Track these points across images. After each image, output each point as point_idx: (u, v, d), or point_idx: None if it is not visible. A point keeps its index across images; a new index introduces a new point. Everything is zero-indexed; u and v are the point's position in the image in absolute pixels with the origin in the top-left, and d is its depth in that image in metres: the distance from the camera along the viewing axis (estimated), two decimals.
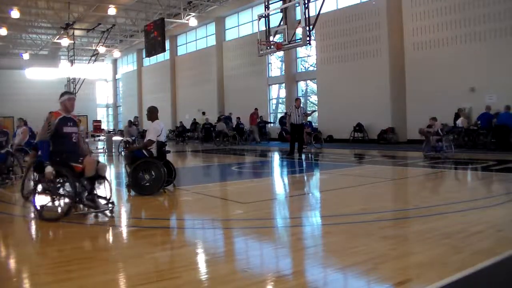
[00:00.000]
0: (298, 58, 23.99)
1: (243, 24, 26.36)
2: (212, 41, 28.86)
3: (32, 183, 6.62)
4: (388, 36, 18.04)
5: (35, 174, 6.51)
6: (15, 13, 21.77)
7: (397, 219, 5.15)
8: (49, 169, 5.27)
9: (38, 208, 5.37)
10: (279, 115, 24.32)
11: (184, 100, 31.93)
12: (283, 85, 24.42)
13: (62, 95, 5.84)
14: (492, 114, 13.93)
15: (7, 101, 34.37)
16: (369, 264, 3.45)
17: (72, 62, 28.35)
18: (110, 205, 5.63)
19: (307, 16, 13.22)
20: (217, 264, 3.74)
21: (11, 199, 7.39)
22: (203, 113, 26.13)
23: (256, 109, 23.11)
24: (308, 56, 23.81)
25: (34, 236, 5.01)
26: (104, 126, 39.11)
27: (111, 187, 5.94)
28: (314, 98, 23.97)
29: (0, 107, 32.04)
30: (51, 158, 5.40)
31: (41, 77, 36.98)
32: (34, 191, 5.77)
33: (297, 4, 14.47)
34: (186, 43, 32.31)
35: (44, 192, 5.56)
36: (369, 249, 3.85)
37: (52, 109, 6.56)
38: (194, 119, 27.19)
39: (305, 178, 9.93)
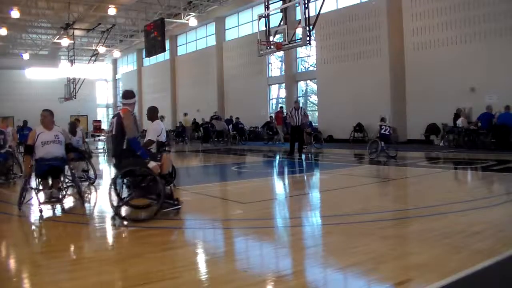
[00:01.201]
0: (298, 58, 23.98)
1: (243, 24, 26.35)
2: (212, 41, 28.85)
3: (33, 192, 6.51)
4: (388, 36, 18.03)
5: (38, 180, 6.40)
6: (15, 13, 21.75)
7: (397, 219, 5.14)
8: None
9: (115, 206, 5.35)
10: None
11: (184, 100, 31.92)
12: (283, 85, 24.41)
13: (133, 95, 5.78)
14: (492, 114, 13.92)
15: (7, 101, 34.33)
16: (369, 264, 3.46)
17: (72, 62, 28.34)
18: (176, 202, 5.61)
19: (307, 16, 13.21)
20: (217, 264, 3.74)
21: (11, 199, 7.39)
22: (185, 114, 25.89)
23: (281, 107, 22.17)
24: (308, 56, 23.79)
25: (34, 236, 5.01)
26: (104, 126, 39.10)
27: (174, 185, 5.87)
28: (314, 98, 23.96)
29: (0, 107, 32.01)
30: (130, 156, 5.35)
31: (41, 77, 36.97)
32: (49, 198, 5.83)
33: (297, 4, 14.46)
34: (186, 43, 32.30)
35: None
36: (369, 249, 3.85)
37: (52, 108, 6.55)
38: (194, 119, 27.12)
39: (305, 178, 9.93)
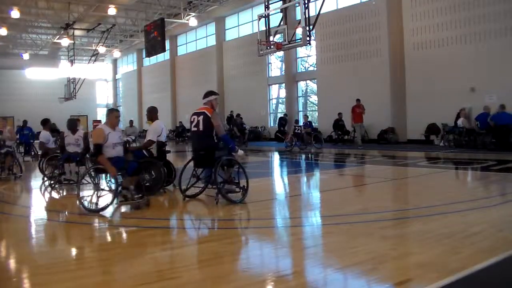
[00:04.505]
0: (298, 58, 23.98)
1: (243, 24, 26.35)
2: (212, 41, 28.86)
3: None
4: (388, 36, 18.02)
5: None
6: (15, 13, 21.75)
7: (397, 219, 5.14)
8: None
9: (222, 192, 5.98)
10: (279, 115, 24.32)
11: (184, 100, 31.92)
12: (283, 85, 24.42)
13: (209, 93, 6.52)
14: (489, 114, 13.88)
15: (7, 101, 34.37)
16: (369, 264, 3.45)
17: (72, 62, 28.34)
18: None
19: (307, 16, 13.21)
20: (217, 264, 3.74)
21: (11, 198, 7.40)
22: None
23: (358, 100, 16.93)
24: (308, 56, 23.80)
25: (34, 236, 5.01)
26: None
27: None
28: (314, 98, 23.96)
29: (0, 107, 32.03)
30: (221, 148, 6.19)
31: (41, 77, 36.97)
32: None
33: (297, 4, 14.46)
34: (186, 43, 32.31)
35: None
36: (369, 249, 3.85)
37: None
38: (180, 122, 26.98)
39: (305, 178, 9.93)
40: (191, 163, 6.51)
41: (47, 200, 7.33)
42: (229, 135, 7.19)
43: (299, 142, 16.29)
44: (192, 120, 6.35)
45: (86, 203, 5.72)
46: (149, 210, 5.91)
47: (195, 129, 6.26)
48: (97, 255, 4.09)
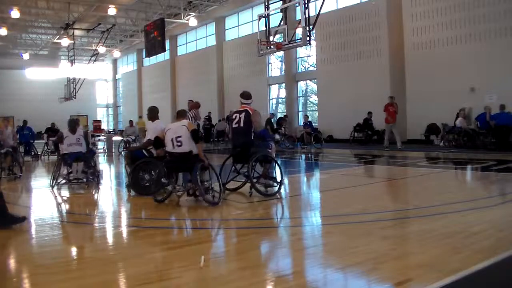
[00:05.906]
0: (298, 58, 23.96)
1: (243, 24, 26.34)
2: (212, 41, 28.85)
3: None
4: (388, 36, 18.02)
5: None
6: (15, 13, 21.76)
7: (397, 219, 5.14)
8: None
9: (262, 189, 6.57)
10: (279, 116, 24.31)
11: (184, 100, 31.87)
12: (283, 85, 24.41)
13: (251, 96, 7.05)
14: (490, 114, 13.86)
15: (7, 101, 34.34)
16: (369, 264, 3.45)
17: (72, 62, 28.33)
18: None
19: (307, 16, 13.20)
20: (217, 264, 3.74)
21: (11, 198, 7.38)
22: (140, 117, 25.73)
23: (391, 98, 15.23)
24: (308, 56, 23.79)
25: (34, 236, 5.01)
26: (104, 126, 39.09)
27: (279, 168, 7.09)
28: (314, 98, 23.95)
29: (0, 107, 32.02)
30: (256, 145, 6.76)
31: (41, 77, 36.96)
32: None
33: (297, 4, 14.45)
34: (186, 43, 32.30)
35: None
36: (369, 249, 3.85)
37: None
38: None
39: (305, 178, 9.93)
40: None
41: (47, 200, 7.33)
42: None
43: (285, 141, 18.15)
44: (234, 117, 6.87)
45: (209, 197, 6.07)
46: (149, 210, 5.91)
47: (236, 125, 6.77)
48: (97, 255, 4.09)
